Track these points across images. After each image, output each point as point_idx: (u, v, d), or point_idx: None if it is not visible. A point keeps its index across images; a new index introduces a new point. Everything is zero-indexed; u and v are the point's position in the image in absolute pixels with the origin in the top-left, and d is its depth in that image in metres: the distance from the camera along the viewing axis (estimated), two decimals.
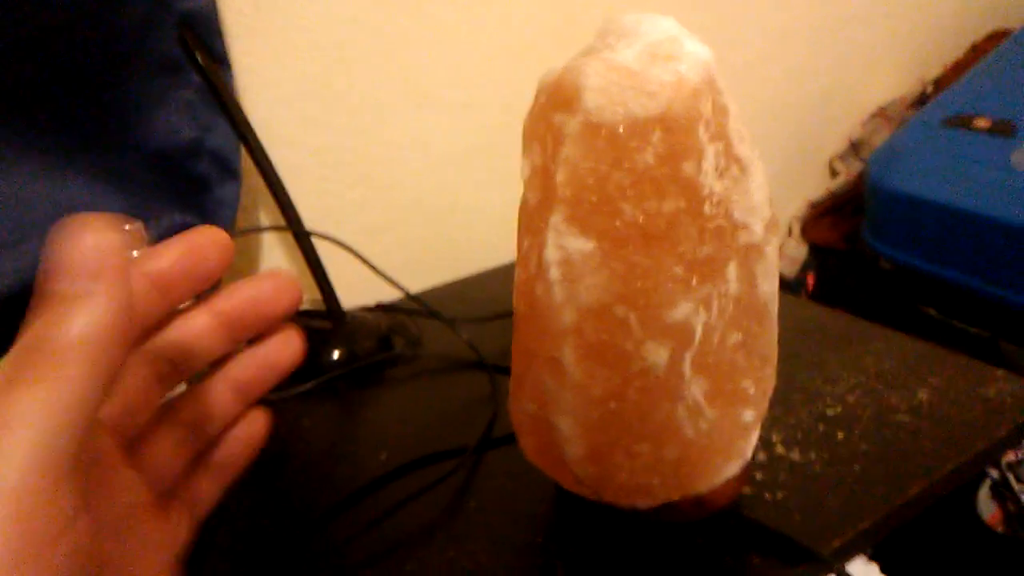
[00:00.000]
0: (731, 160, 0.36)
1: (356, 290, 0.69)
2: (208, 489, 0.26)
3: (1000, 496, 0.84)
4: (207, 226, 0.24)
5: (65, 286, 0.18)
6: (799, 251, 1.09)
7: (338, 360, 0.62)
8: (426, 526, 0.45)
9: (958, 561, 0.87)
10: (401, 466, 0.50)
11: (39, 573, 0.17)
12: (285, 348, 0.27)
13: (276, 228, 0.70)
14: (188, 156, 0.62)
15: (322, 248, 0.65)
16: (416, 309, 0.70)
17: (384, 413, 0.58)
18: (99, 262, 0.18)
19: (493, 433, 0.53)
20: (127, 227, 0.49)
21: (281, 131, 0.69)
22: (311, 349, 0.61)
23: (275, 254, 0.73)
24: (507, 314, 0.67)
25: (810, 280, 1.06)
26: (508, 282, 0.76)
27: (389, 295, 0.72)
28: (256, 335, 0.26)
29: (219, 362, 0.27)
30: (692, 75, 0.34)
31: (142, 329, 0.23)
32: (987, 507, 0.85)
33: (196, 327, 0.25)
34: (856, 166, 1.14)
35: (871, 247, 0.94)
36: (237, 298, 0.25)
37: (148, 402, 0.24)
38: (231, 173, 0.63)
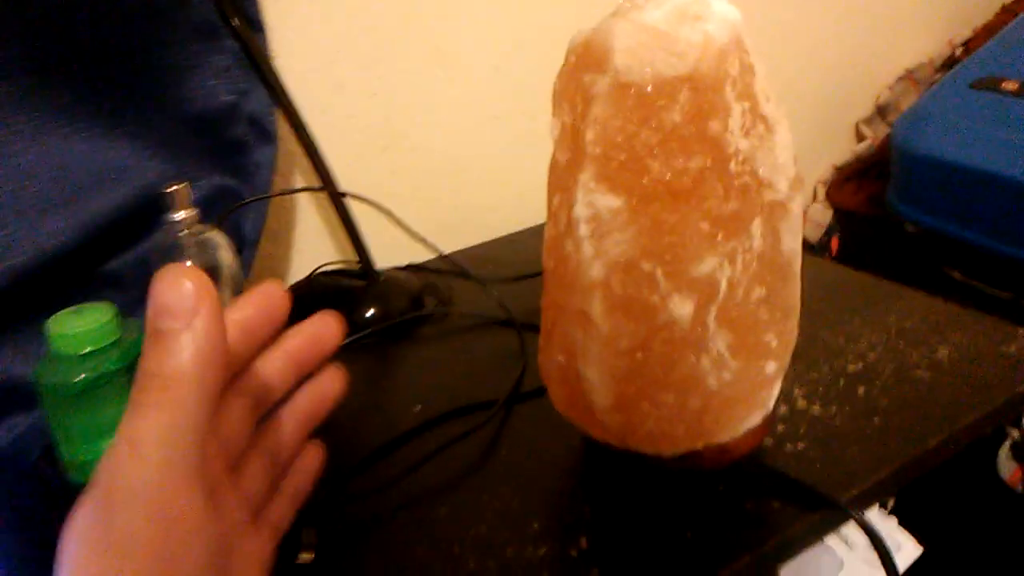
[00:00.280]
0: (757, 119, 0.37)
1: (389, 251, 0.70)
2: (284, 513, 0.30)
3: (1020, 455, 0.85)
4: (273, 281, 0.27)
5: (171, 324, 0.21)
6: (824, 215, 1.09)
7: (372, 317, 0.65)
8: (459, 473, 0.47)
9: (978, 519, 0.89)
10: (435, 417, 0.52)
11: (182, 565, 0.20)
12: (334, 383, 0.31)
13: (312, 189, 0.71)
14: (225, 120, 0.64)
15: (356, 210, 0.67)
16: (447, 269, 0.72)
17: (417, 368, 0.60)
18: (197, 303, 0.21)
19: (522, 387, 0.55)
20: (176, 187, 0.51)
21: (315, 96, 0.70)
22: (347, 307, 0.64)
23: (311, 215, 0.75)
24: (535, 274, 0.69)
25: (834, 244, 1.06)
26: (536, 243, 0.77)
27: (421, 256, 0.73)
28: (315, 367, 0.30)
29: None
30: (719, 35, 0.35)
31: (236, 367, 0.26)
32: (1007, 466, 0.86)
33: (274, 365, 0.28)
34: (882, 129, 1.13)
35: (896, 210, 0.94)
36: (300, 338, 0.29)
37: (243, 432, 0.28)
38: (267, 136, 0.65)
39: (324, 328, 0.30)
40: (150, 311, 0.21)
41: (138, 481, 0.20)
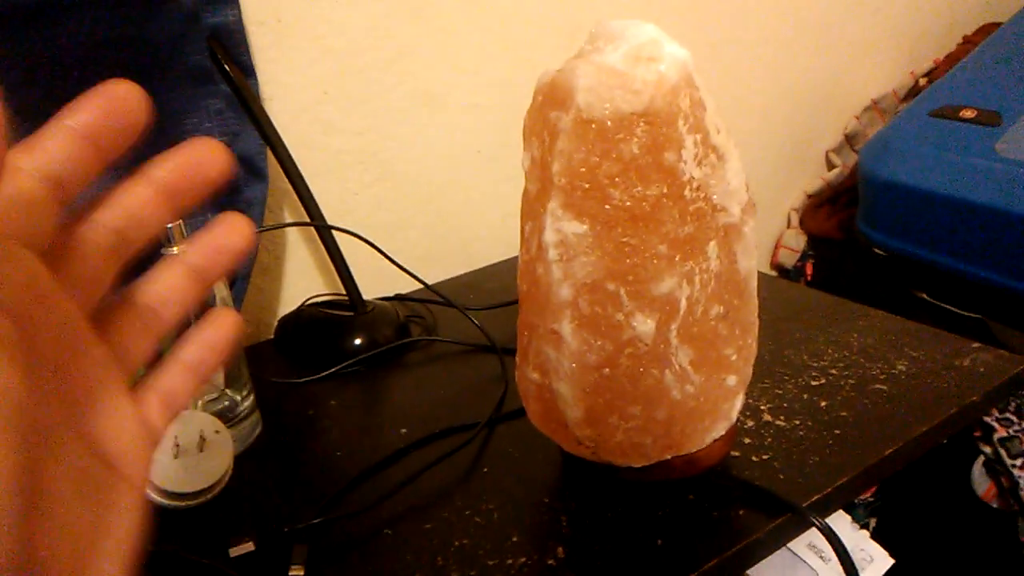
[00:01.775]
0: (708, 149, 0.40)
1: (375, 282, 0.73)
2: (179, 384, 0.26)
3: (993, 471, 0.88)
4: (120, 80, 0.22)
5: None
6: (798, 240, 1.13)
7: (360, 346, 0.67)
8: (444, 490, 0.50)
9: (954, 534, 0.91)
10: (421, 439, 0.55)
11: None
12: (234, 232, 0.26)
13: (300, 224, 0.74)
14: None
15: (343, 243, 0.70)
16: (431, 299, 0.74)
17: (404, 393, 0.63)
18: None
19: (504, 408, 0.58)
20: (172, 223, 0.53)
21: (304, 135, 0.74)
22: (336, 336, 0.67)
23: (300, 249, 0.78)
24: (515, 302, 0.72)
25: (809, 268, 1.10)
26: (515, 272, 0.80)
27: (406, 286, 0.76)
28: (196, 202, 0.25)
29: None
30: (671, 74, 0.39)
31: (75, 186, 0.22)
32: (981, 482, 0.88)
33: (138, 197, 0.24)
34: (851, 158, 1.18)
35: (865, 235, 0.98)
36: (170, 166, 0.24)
37: (106, 273, 0.23)
38: (258, 175, 0.68)
39: (204, 152, 0.24)
40: None
41: None
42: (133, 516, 0.22)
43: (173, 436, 0.50)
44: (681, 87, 0.39)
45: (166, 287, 0.25)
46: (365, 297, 0.71)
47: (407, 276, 0.71)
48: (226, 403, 0.56)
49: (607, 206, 0.39)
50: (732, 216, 0.42)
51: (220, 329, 0.26)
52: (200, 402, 0.56)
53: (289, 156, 0.67)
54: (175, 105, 0.65)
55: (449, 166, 0.84)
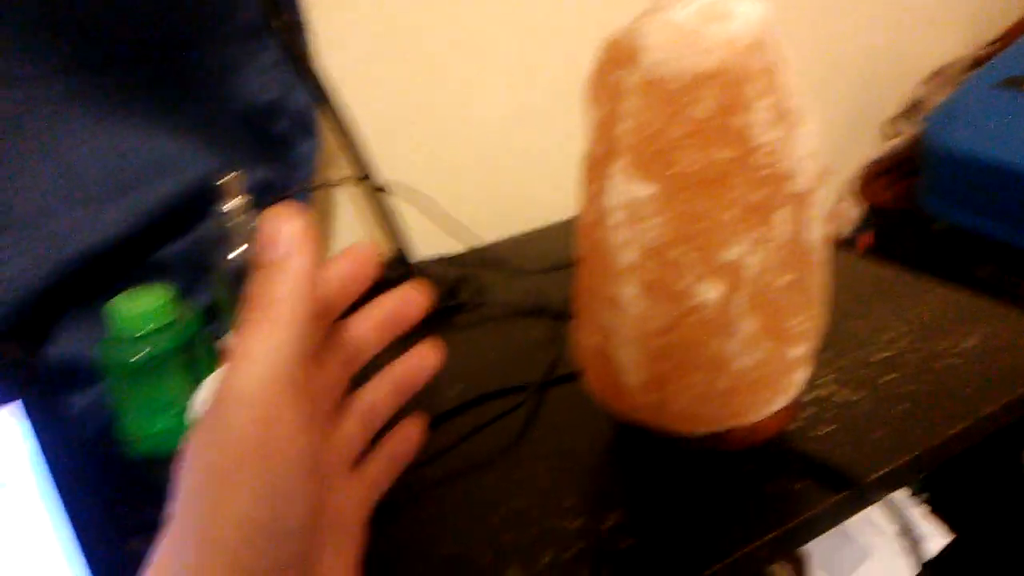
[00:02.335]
0: (782, 112, 0.38)
1: (426, 242, 0.73)
2: (382, 473, 0.33)
3: None
4: (365, 243, 0.30)
5: (272, 254, 0.24)
6: (855, 211, 1.10)
7: None
8: (496, 452, 0.50)
9: (1006, 510, 0.89)
10: (472, 399, 0.54)
11: (280, 462, 0.22)
12: (429, 353, 0.34)
13: (352, 181, 0.74)
14: (270, 115, 0.67)
15: (393, 202, 0.69)
16: (482, 260, 0.74)
17: (454, 355, 0.62)
18: (296, 237, 0.25)
19: (556, 373, 0.57)
20: (229, 177, 0.53)
21: (355, 91, 0.73)
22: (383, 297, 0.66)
23: (349, 207, 0.78)
24: (568, 265, 0.71)
25: (865, 239, 1.07)
26: (568, 235, 0.79)
27: (456, 247, 0.76)
28: (403, 333, 0.32)
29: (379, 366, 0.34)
30: (745, 32, 0.37)
31: (331, 317, 0.30)
32: None
33: (364, 325, 0.31)
34: (913, 127, 1.13)
35: (927, 207, 0.95)
36: (388, 304, 0.32)
37: (338, 384, 0.31)
38: (310, 131, 0.68)
39: (411, 297, 0.32)
40: (259, 243, 0.25)
41: (245, 386, 0.22)
42: (356, 568, 0.29)
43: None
44: (755, 46, 0.37)
45: (379, 400, 0.32)
46: (415, 257, 0.71)
47: (458, 237, 0.70)
48: None
49: (674, 169, 0.38)
50: (803, 184, 0.40)
51: (410, 430, 0.34)
52: None
53: (342, 112, 0.66)
54: (228, 60, 0.65)
55: (503, 125, 0.83)
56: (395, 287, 0.68)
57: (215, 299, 0.58)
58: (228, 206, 0.54)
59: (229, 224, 0.54)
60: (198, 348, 0.53)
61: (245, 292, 0.24)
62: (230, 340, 0.24)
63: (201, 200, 0.63)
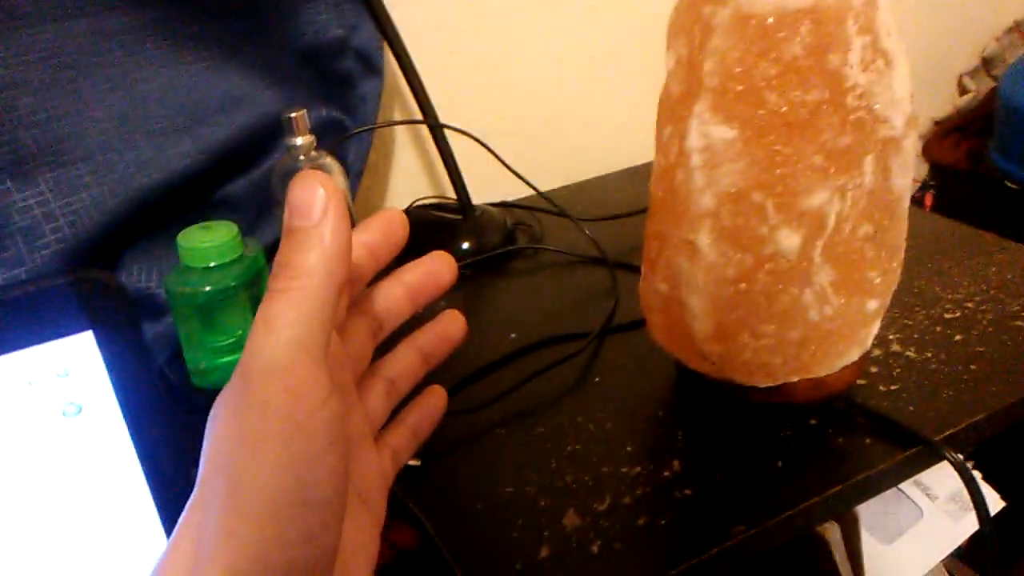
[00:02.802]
0: (877, 53, 0.37)
1: (483, 186, 0.72)
2: (405, 442, 0.32)
3: None
4: (393, 209, 0.30)
5: (303, 222, 0.24)
6: (919, 169, 1.06)
7: (467, 250, 0.67)
8: (555, 397, 0.50)
9: None
10: (530, 344, 0.54)
11: (307, 433, 0.22)
12: (455, 323, 0.33)
13: (414, 122, 0.73)
14: (335, 53, 0.66)
15: (455, 145, 0.68)
16: (540, 207, 0.73)
17: (511, 300, 0.62)
18: (326, 206, 0.24)
19: (614, 322, 0.57)
20: (296, 113, 0.53)
21: (419, 32, 0.72)
22: (443, 239, 0.66)
23: (408, 149, 0.77)
24: (626, 214, 0.70)
25: (928, 199, 1.04)
26: (627, 184, 0.78)
27: (513, 193, 0.75)
28: (429, 303, 0.32)
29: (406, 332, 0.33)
30: None
31: (360, 283, 0.29)
32: None
33: (393, 294, 0.31)
34: (986, 83, 1.09)
35: (998, 166, 0.91)
36: (417, 271, 0.31)
37: (365, 351, 0.30)
38: (374, 70, 0.67)
39: (439, 265, 0.32)
40: (287, 210, 0.24)
41: (271, 355, 0.22)
42: (376, 543, 0.29)
43: None
44: None
45: (403, 368, 0.32)
46: (473, 201, 0.70)
47: (516, 182, 0.70)
48: None
49: (761, 111, 0.37)
50: (894, 128, 0.39)
51: (434, 401, 0.34)
52: None
53: (406, 52, 0.65)
54: None
55: (562, 71, 0.82)
56: (456, 230, 0.68)
57: (278, 236, 0.58)
58: (295, 142, 0.53)
59: (296, 161, 0.54)
60: (261, 285, 0.54)
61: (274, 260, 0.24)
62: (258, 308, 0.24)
63: (268, 137, 0.63)
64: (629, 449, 0.44)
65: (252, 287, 0.53)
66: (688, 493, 0.41)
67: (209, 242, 0.50)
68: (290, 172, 0.54)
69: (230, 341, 0.52)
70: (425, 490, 0.43)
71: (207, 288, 0.50)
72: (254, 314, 0.51)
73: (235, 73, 0.63)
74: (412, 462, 0.45)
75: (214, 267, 0.51)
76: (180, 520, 0.23)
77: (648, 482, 0.42)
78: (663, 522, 0.39)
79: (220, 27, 0.62)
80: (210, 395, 0.52)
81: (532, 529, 0.39)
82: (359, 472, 0.29)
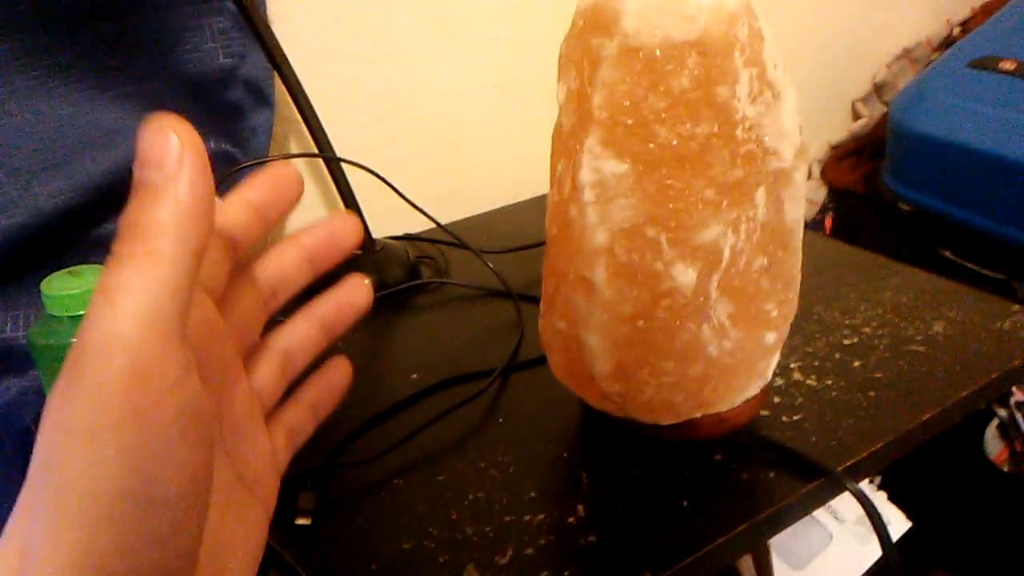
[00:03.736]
0: (764, 85, 0.36)
1: (385, 220, 0.70)
2: (302, 423, 0.30)
3: (1007, 435, 0.86)
4: (284, 163, 0.27)
5: (153, 175, 0.20)
6: (818, 193, 1.09)
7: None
8: (457, 440, 0.47)
9: (964, 497, 0.90)
10: (432, 385, 0.52)
11: (154, 421, 0.19)
12: (360, 290, 0.30)
13: (308, 155, 0.71)
14: (222, 83, 0.63)
15: (352, 177, 0.66)
16: (443, 239, 0.71)
17: (414, 337, 0.60)
18: (181, 154, 0.20)
19: (519, 357, 0.55)
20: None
21: (313, 61, 0.69)
22: (342, 275, 0.64)
23: (307, 183, 0.74)
24: (532, 245, 0.69)
25: (828, 222, 1.07)
26: (532, 215, 0.77)
27: (416, 226, 0.73)
28: (330, 267, 0.29)
29: (304, 300, 0.30)
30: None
31: (246, 246, 0.26)
32: (994, 446, 0.87)
33: (288, 258, 0.28)
34: (879, 108, 1.13)
35: (891, 189, 0.94)
36: (317, 234, 0.29)
37: (254, 321, 0.27)
38: (264, 101, 0.64)
39: (342, 226, 0.29)
40: (135, 162, 0.20)
41: (110, 332, 0.19)
42: (261, 533, 0.26)
43: None
44: (740, 14, 0.35)
45: (300, 340, 0.29)
46: (374, 235, 0.68)
47: (418, 215, 0.68)
48: None
49: (651, 144, 0.36)
50: (784, 161, 0.38)
51: (335, 375, 0.31)
52: None
53: (298, 82, 0.63)
54: (176, 23, 0.61)
55: (464, 101, 0.80)
56: (356, 265, 0.65)
57: None
58: None
59: None
60: None
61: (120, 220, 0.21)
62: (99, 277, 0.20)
63: None
64: (532, 495, 0.43)
65: None
66: (592, 540, 0.39)
67: (77, 288, 0.46)
68: None
69: None
70: (315, 551, 0.40)
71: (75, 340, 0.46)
72: None
73: (112, 105, 0.59)
74: (302, 520, 0.42)
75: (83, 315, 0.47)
76: (7, 525, 0.20)
77: (552, 530, 0.40)
78: (567, 573, 0.37)
79: (94, 56, 0.58)
80: None
81: None
82: (243, 456, 0.26)
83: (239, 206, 0.26)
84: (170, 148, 0.20)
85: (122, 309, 0.19)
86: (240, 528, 0.25)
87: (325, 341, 0.30)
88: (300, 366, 0.29)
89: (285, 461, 0.28)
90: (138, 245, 0.20)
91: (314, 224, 0.28)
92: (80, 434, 0.18)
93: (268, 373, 0.28)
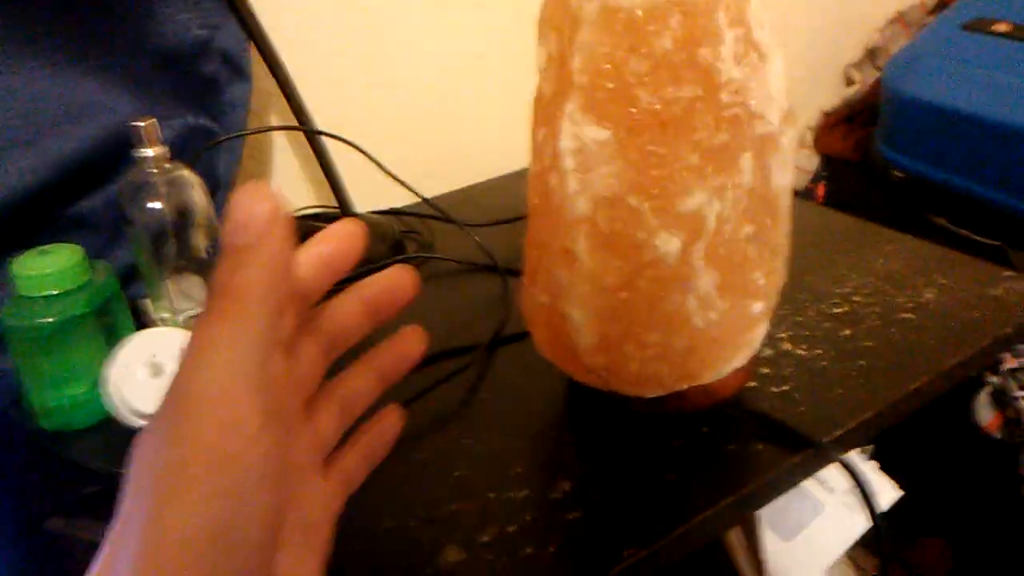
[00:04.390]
0: (750, 47, 0.35)
1: (368, 194, 0.69)
2: (356, 468, 0.30)
3: (999, 402, 0.86)
4: (351, 220, 0.28)
5: (242, 238, 0.22)
6: (811, 161, 1.08)
7: None
8: (441, 417, 0.47)
9: (953, 464, 0.90)
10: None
11: (239, 468, 0.20)
12: (415, 339, 0.32)
13: (287, 128, 0.69)
14: (197, 56, 0.61)
15: (334, 151, 0.65)
16: (428, 213, 0.70)
17: (398, 313, 0.59)
18: (270, 222, 0.22)
19: (505, 331, 0.54)
20: (143, 122, 0.49)
21: (292, 32, 0.68)
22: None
23: (289, 157, 0.73)
24: (518, 218, 0.68)
25: (821, 190, 1.05)
26: (519, 187, 0.75)
27: (401, 200, 0.72)
28: (389, 319, 0.30)
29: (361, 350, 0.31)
30: None
31: (311, 300, 0.27)
32: (985, 413, 0.86)
33: (350, 310, 0.29)
34: (872, 74, 1.12)
35: (884, 156, 0.93)
36: (376, 286, 0.30)
37: (316, 372, 0.28)
38: (241, 73, 0.62)
39: (400, 279, 0.30)
40: (227, 225, 0.22)
41: (204, 384, 0.21)
42: (322, 570, 0.27)
43: (151, 353, 0.47)
44: None
45: (359, 389, 0.30)
46: (357, 210, 0.67)
47: (402, 189, 0.66)
48: None
49: (633, 109, 0.35)
50: (770, 125, 0.37)
51: (389, 422, 0.32)
52: (181, 317, 0.52)
53: (274, 54, 0.61)
54: None
55: (450, 71, 0.79)
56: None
57: (134, 258, 0.53)
58: (144, 154, 0.49)
59: (146, 175, 0.49)
60: (114, 312, 0.49)
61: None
62: (192, 330, 0.22)
63: (121, 149, 0.58)
64: (517, 471, 0.42)
65: (104, 315, 0.48)
66: (578, 515, 0.39)
67: (48, 268, 0.45)
68: (139, 188, 0.49)
69: (78, 377, 0.47)
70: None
71: (49, 319, 0.45)
72: (108, 344, 0.47)
73: (84, 78, 0.57)
74: None
75: (57, 295, 0.46)
76: (99, 554, 0.21)
77: (536, 506, 0.39)
78: (551, 549, 0.37)
79: (65, 28, 0.56)
80: (61, 438, 0.47)
81: (410, 569, 0.36)
82: (303, 503, 0.27)
83: (310, 261, 0.27)
84: (258, 214, 0.22)
85: (212, 364, 0.21)
86: (303, 567, 0.26)
87: (380, 388, 0.31)
88: (357, 413, 0.30)
89: (339, 509, 0.29)
90: (228, 304, 0.22)
91: (374, 276, 0.30)
92: (170, 477, 0.20)
93: (328, 420, 0.29)
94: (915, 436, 0.87)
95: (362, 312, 0.29)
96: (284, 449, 0.23)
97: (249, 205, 0.22)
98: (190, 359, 0.21)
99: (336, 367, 0.29)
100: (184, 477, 0.20)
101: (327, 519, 0.28)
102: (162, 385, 0.48)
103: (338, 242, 0.27)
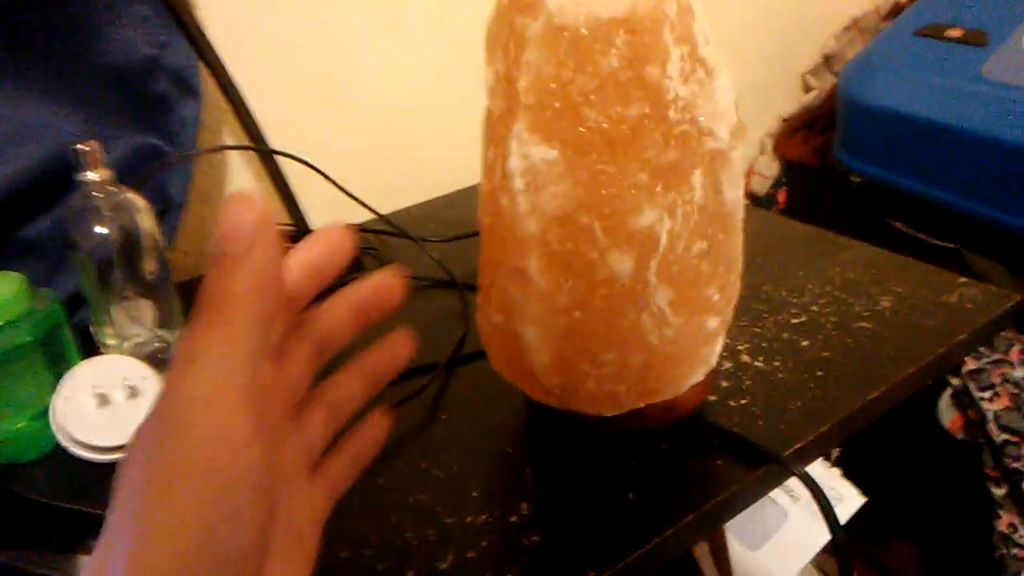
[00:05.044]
0: (696, 63, 0.35)
1: (324, 211, 0.68)
2: (343, 473, 0.30)
3: (960, 404, 0.87)
4: (338, 227, 0.28)
5: (231, 248, 0.22)
6: (771, 167, 1.09)
7: None
8: (398, 440, 0.46)
9: (919, 466, 0.91)
10: None
11: (228, 478, 0.20)
12: (403, 343, 0.32)
13: (239, 147, 0.68)
14: (145, 74, 0.60)
15: (289, 169, 0.64)
16: (385, 230, 0.69)
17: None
18: (258, 231, 0.22)
19: (464, 349, 0.54)
20: (86, 145, 0.48)
21: (243, 49, 0.66)
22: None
23: (242, 174, 0.71)
24: (476, 233, 0.67)
25: (782, 196, 1.06)
26: (476, 202, 0.75)
27: (357, 217, 0.71)
28: (377, 323, 0.30)
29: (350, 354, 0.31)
30: None
31: (299, 306, 0.27)
32: (947, 414, 0.87)
33: (338, 315, 0.29)
34: (829, 80, 1.13)
35: (842, 162, 0.94)
36: (365, 290, 0.29)
37: (305, 377, 0.28)
38: (191, 92, 0.61)
39: (389, 282, 0.30)
40: (216, 236, 0.22)
41: (193, 394, 0.21)
42: None
43: (97, 383, 0.45)
44: None
45: (347, 394, 0.30)
46: (313, 227, 0.66)
47: (359, 206, 0.65)
48: (157, 345, 0.51)
49: (581, 128, 0.34)
50: (720, 140, 0.37)
51: (376, 425, 0.31)
52: (126, 344, 0.51)
53: (225, 72, 0.60)
54: (94, 11, 0.58)
55: (407, 87, 0.78)
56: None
57: (79, 284, 0.52)
58: (87, 178, 0.48)
59: (89, 199, 0.48)
60: (59, 341, 0.48)
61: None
62: (179, 339, 0.22)
63: (65, 173, 0.56)
64: (475, 495, 0.41)
65: (48, 344, 0.47)
66: (536, 539, 0.38)
67: None
68: (83, 212, 0.48)
69: (23, 407, 0.46)
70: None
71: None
72: (53, 375, 0.46)
73: (28, 100, 0.56)
74: None
75: None
76: (88, 564, 0.21)
77: (494, 531, 0.39)
78: (510, 575, 0.36)
79: (12, 49, 0.55)
80: (7, 470, 0.46)
81: None
82: (292, 510, 0.26)
83: (297, 267, 0.27)
84: (246, 223, 0.22)
85: (202, 372, 0.21)
86: (289, 574, 0.26)
87: (369, 393, 0.31)
88: (345, 417, 0.30)
89: (327, 514, 0.29)
90: (217, 313, 0.22)
91: (362, 281, 0.29)
92: (158, 489, 0.20)
93: (316, 425, 0.29)
94: (882, 438, 0.88)
95: (350, 317, 0.29)
96: (273, 458, 0.23)
97: (237, 215, 0.22)
98: (179, 368, 0.21)
99: (324, 372, 0.29)
100: (173, 487, 0.20)
101: (315, 525, 0.28)
102: (110, 415, 0.46)
103: (326, 247, 0.27)
